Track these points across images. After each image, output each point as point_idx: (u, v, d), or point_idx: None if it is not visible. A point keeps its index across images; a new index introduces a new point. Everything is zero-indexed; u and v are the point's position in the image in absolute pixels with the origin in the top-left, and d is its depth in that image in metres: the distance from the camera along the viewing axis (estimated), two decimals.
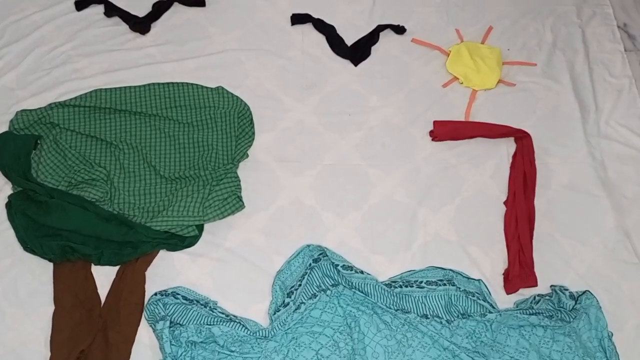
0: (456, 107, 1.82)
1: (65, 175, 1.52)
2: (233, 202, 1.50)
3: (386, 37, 1.94)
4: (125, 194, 1.51)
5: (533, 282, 1.50)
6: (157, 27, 1.86)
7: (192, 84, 1.71)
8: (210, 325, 1.35)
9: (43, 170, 1.52)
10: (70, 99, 1.65)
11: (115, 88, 1.68)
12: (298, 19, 1.94)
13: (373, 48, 1.91)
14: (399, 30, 1.95)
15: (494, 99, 1.85)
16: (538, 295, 1.48)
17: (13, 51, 1.77)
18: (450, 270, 1.50)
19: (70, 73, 1.74)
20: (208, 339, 1.35)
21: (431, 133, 1.74)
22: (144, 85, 1.69)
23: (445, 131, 1.74)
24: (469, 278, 1.49)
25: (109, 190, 1.50)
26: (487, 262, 1.55)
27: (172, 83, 1.71)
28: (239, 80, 1.77)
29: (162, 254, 1.48)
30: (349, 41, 1.91)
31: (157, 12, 1.87)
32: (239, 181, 1.55)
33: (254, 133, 1.66)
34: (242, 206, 1.52)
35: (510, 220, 1.60)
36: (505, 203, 1.65)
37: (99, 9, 1.87)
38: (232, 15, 1.92)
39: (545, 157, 1.74)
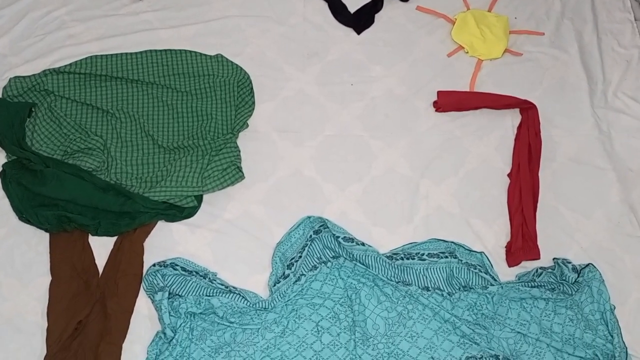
0: (461, 77, 1.78)
1: (60, 144, 1.49)
2: (232, 173, 1.48)
3: (390, 4, 1.89)
4: (122, 164, 1.48)
5: (536, 255, 1.48)
6: None
7: (190, 51, 1.67)
8: (209, 296, 1.34)
9: (38, 138, 1.49)
10: (65, 66, 1.61)
11: (111, 55, 1.64)
12: None
13: (377, 16, 1.87)
14: None
15: (500, 68, 1.81)
16: (540, 268, 1.47)
17: (5, 16, 1.72)
18: (452, 242, 1.48)
19: (65, 39, 1.69)
20: (207, 310, 1.34)
21: (435, 104, 1.71)
22: (141, 52, 1.65)
23: (449, 102, 1.70)
24: (470, 251, 1.48)
25: (105, 160, 1.47)
26: (490, 235, 1.53)
27: (170, 50, 1.66)
28: (239, 48, 1.73)
29: (161, 225, 1.46)
30: (352, 8, 1.85)
31: None
32: (239, 151, 1.52)
33: (254, 102, 1.63)
34: (241, 177, 1.49)
35: (514, 193, 1.57)
36: (509, 175, 1.62)
37: None
38: None
39: (551, 128, 1.71)
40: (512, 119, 1.72)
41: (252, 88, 1.64)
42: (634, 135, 1.70)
